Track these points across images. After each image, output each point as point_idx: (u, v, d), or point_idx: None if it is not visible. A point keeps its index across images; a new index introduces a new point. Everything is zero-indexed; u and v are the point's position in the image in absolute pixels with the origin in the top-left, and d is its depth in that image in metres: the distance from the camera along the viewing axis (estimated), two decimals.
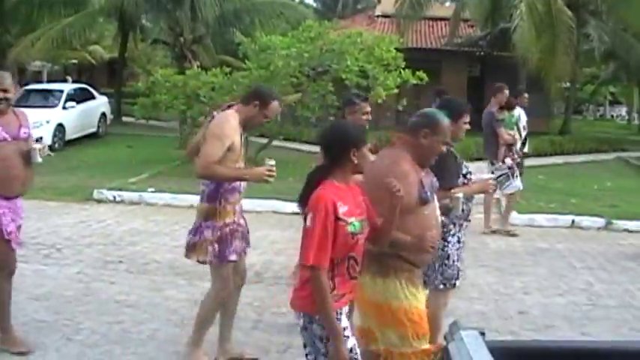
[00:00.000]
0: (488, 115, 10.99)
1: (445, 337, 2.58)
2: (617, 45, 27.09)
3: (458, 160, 5.38)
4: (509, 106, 11.13)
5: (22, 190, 5.82)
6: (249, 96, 5.54)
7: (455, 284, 5.43)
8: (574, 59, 25.43)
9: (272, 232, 10.62)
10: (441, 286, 5.30)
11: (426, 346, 4.26)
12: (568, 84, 28.63)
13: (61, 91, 22.06)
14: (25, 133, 5.80)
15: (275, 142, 18.76)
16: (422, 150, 4.35)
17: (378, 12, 32.93)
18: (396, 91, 16.71)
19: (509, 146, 10.91)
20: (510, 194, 11.08)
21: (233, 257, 5.44)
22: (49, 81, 37.45)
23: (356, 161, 3.80)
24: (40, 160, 5.80)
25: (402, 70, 16.57)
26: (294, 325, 6.52)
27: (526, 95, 11.78)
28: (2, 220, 5.60)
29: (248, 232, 5.69)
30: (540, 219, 11.88)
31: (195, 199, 12.42)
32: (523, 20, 22.62)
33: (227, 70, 17.58)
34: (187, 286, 7.80)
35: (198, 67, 20.56)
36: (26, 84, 28.03)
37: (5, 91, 5.62)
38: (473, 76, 30.02)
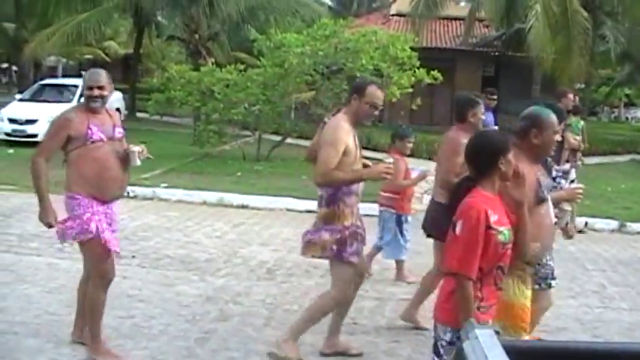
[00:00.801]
0: None
1: (460, 337, 2.58)
2: (633, 46, 26.97)
3: (548, 164, 5.39)
4: (575, 111, 11.11)
5: (119, 194, 5.64)
6: (349, 94, 5.60)
7: (550, 284, 5.36)
8: (589, 60, 25.30)
9: (285, 230, 10.62)
10: (537, 287, 5.21)
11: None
12: (583, 85, 28.52)
13: (76, 86, 22.07)
14: (119, 132, 5.60)
15: (289, 140, 18.81)
16: (537, 149, 4.43)
17: (393, 11, 32.89)
18: (410, 90, 16.70)
19: (573, 151, 10.89)
20: None
21: (354, 259, 5.48)
22: (63, 76, 37.65)
23: (504, 169, 3.79)
24: (139, 163, 5.56)
25: (416, 70, 16.58)
26: None
27: (571, 96, 11.68)
28: (98, 226, 5.33)
29: (364, 232, 5.68)
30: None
31: (207, 196, 12.67)
32: (538, 21, 22.53)
33: (241, 67, 17.66)
34: (199, 282, 7.82)
35: (212, 63, 20.63)
36: (41, 79, 28.20)
37: (102, 88, 5.42)
38: (487, 76, 29.90)
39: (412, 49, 16.84)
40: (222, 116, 17.22)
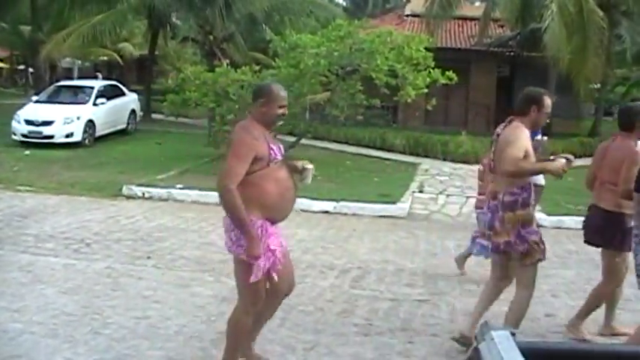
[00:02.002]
0: None
1: (476, 338, 2.57)
2: None
3: None
4: None
5: (289, 214, 5.20)
6: (524, 105, 5.81)
7: None
8: (605, 60, 25.16)
9: (299, 231, 10.62)
10: None
11: None
12: (599, 85, 28.37)
13: (92, 88, 22.28)
14: (283, 149, 5.18)
15: (304, 141, 18.82)
16: None
17: (407, 11, 32.86)
18: (425, 90, 16.66)
19: None
20: None
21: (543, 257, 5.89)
22: (79, 77, 37.84)
23: None
24: (309, 181, 5.36)
25: (431, 70, 16.52)
26: (320, 324, 6.56)
27: None
28: (277, 253, 5.00)
29: None
30: (569, 221, 11.74)
31: None
32: (554, 21, 22.40)
33: (256, 68, 17.68)
34: (214, 283, 7.84)
35: (228, 64, 20.66)
36: (57, 80, 28.37)
37: (285, 106, 5.10)
38: (502, 77, 29.85)
39: (427, 49, 16.78)
40: (237, 117, 17.20)
